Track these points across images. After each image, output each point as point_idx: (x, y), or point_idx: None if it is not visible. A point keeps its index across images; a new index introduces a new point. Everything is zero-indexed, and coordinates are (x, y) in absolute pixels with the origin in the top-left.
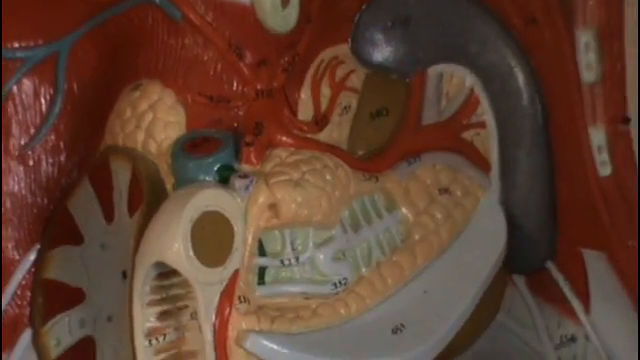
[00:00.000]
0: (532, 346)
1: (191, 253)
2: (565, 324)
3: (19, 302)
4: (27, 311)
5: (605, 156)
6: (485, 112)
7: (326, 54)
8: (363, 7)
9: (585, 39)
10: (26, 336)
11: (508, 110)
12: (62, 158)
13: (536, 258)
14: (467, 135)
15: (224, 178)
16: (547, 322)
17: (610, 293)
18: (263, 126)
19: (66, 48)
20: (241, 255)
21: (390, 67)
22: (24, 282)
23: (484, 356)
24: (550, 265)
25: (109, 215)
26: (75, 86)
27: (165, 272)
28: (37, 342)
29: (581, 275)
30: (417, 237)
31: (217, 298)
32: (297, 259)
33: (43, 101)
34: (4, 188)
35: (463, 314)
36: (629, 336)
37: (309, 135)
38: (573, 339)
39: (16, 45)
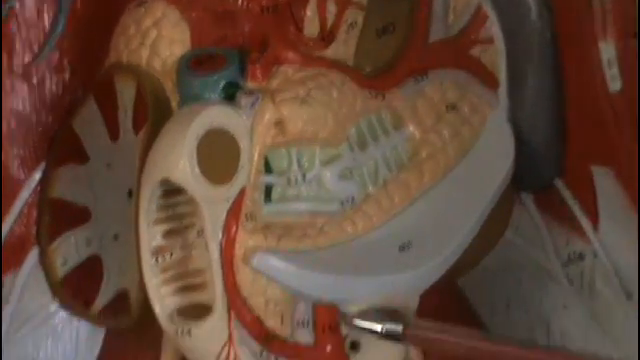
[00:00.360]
0: (540, 263)
1: (197, 170)
2: (573, 242)
3: (25, 221)
4: (33, 230)
5: (615, 71)
6: (493, 27)
7: None
8: None
9: None
10: (33, 255)
11: (516, 24)
12: (66, 76)
13: (544, 176)
14: (475, 51)
15: (229, 95)
16: (555, 240)
17: (618, 210)
18: (269, 42)
19: None
20: (247, 173)
21: None
22: (30, 201)
23: (492, 273)
24: (558, 183)
25: (114, 133)
26: (78, 3)
27: (171, 190)
28: (44, 261)
29: (590, 193)
30: (424, 155)
31: (224, 216)
32: (304, 177)
33: (46, 17)
34: (8, 107)
35: (470, 231)
36: (635, 253)
37: (315, 52)
38: (581, 257)
39: None
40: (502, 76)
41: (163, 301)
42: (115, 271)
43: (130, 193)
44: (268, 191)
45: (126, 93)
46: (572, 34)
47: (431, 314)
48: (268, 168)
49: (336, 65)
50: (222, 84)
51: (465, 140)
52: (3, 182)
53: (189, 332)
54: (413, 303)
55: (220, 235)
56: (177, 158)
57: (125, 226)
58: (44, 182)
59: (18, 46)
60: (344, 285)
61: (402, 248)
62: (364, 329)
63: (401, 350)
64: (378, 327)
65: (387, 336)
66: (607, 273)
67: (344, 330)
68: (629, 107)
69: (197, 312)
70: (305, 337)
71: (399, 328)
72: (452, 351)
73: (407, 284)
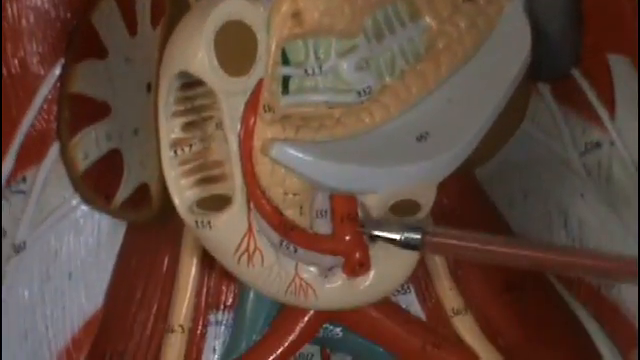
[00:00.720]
0: (557, 153)
1: (215, 62)
2: (590, 131)
3: (46, 117)
4: (54, 125)
5: None
6: None
7: None
8: None
9: None
10: (54, 150)
11: None
12: None
13: (561, 64)
14: None
15: None
16: (572, 129)
17: (636, 99)
18: None
19: None
20: (265, 64)
21: None
22: (50, 96)
23: (510, 165)
24: (575, 72)
25: (132, 28)
26: None
27: (189, 82)
28: (65, 155)
29: (606, 81)
30: (441, 46)
31: (242, 108)
32: (320, 68)
33: None
34: (26, 3)
35: (487, 122)
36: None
37: None
38: (598, 145)
39: None
40: None
41: (183, 193)
42: (135, 165)
43: (149, 87)
44: (285, 82)
45: None
46: None
47: (449, 205)
48: (285, 59)
49: None
50: None
51: (481, 31)
52: (23, 78)
53: (209, 224)
54: (431, 194)
55: (238, 127)
56: (195, 50)
57: (145, 120)
58: (63, 78)
59: None
60: (361, 175)
61: (419, 138)
62: (383, 238)
63: None
64: (397, 236)
65: (406, 245)
66: (624, 161)
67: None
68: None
69: (216, 204)
70: (324, 227)
71: (418, 236)
72: (471, 257)
73: (424, 174)
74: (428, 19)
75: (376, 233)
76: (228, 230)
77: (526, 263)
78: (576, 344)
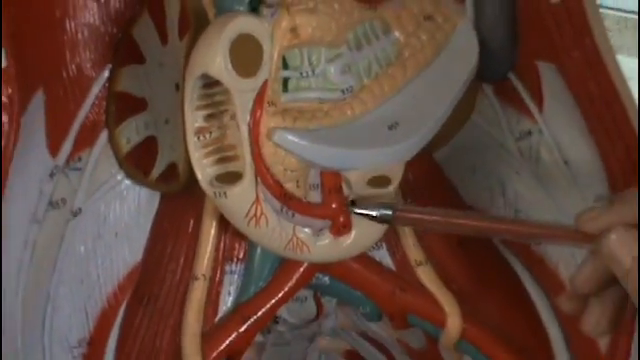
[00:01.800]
0: (498, 139)
1: (230, 66)
2: (523, 121)
3: (97, 110)
4: (103, 117)
5: None
6: None
7: None
8: None
9: None
10: (103, 136)
11: None
12: None
13: (501, 70)
14: None
15: (254, 8)
16: (509, 120)
17: (558, 96)
18: None
19: None
20: (269, 68)
21: None
22: (100, 94)
23: (461, 147)
24: (512, 75)
25: (164, 39)
26: None
27: (209, 82)
28: (112, 140)
29: (536, 83)
30: (407, 54)
31: (251, 103)
32: (313, 71)
33: None
34: (82, 20)
35: (444, 113)
36: (572, 129)
37: None
38: (529, 133)
39: None
40: None
41: (204, 170)
42: (167, 148)
43: (177, 86)
44: (285, 83)
45: (173, 7)
46: None
47: (414, 180)
48: (285, 65)
49: None
50: None
51: (439, 43)
52: (79, 80)
53: (225, 194)
54: (399, 170)
55: (248, 117)
56: (214, 56)
57: (174, 112)
58: (111, 79)
59: None
60: (345, 156)
61: (390, 127)
62: (363, 214)
63: None
64: (374, 213)
65: (381, 220)
66: (549, 145)
67: (345, 192)
68: (566, 15)
69: (231, 178)
70: (315, 197)
71: (390, 212)
72: (434, 228)
73: (394, 155)
74: (397, 33)
75: (357, 211)
76: (240, 199)
77: (477, 231)
78: (511, 286)
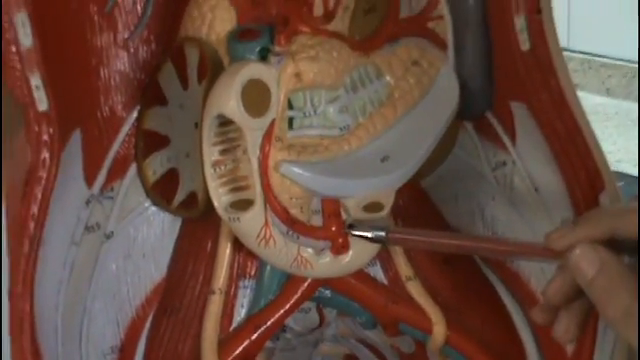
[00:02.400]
0: (477, 169)
1: (242, 108)
2: (499, 154)
3: (127, 146)
4: (132, 152)
5: (525, 35)
6: (443, 8)
7: None
8: None
9: None
10: (132, 168)
11: (459, 6)
12: (153, 46)
13: (479, 109)
14: (431, 24)
15: (263, 56)
16: (487, 152)
17: (529, 131)
18: (289, 20)
19: None
20: (276, 109)
21: None
22: (130, 132)
23: (445, 176)
24: (489, 113)
25: (185, 84)
26: None
27: (224, 121)
28: (140, 172)
29: (509, 120)
30: (397, 96)
31: (260, 139)
32: (315, 111)
33: (139, 7)
34: (114, 68)
35: (430, 147)
36: (541, 161)
37: (321, 26)
38: (504, 163)
39: None
40: (450, 41)
41: (220, 198)
42: (187, 178)
43: (196, 125)
44: (290, 121)
45: (192, 56)
46: (497, 12)
47: (403, 205)
48: (290, 106)
49: (336, 35)
50: (258, 49)
51: (425, 85)
52: (111, 119)
53: (238, 219)
54: (391, 197)
55: (258, 152)
56: (228, 99)
57: (194, 147)
58: (139, 119)
59: (120, 26)
60: (343, 185)
61: (383, 159)
62: (359, 236)
63: None
64: (369, 234)
65: (375, 240)
66: (521, 174)
67: (343, 216)
68: (535, 62)
69: (243, 205)
70: (317, 221)
71: (384, 234)
72: (421, 247)
73: (386, 184)
74: (388, 77)
75: (355, 233)
76: (251, 223)
77: (459, 249)
78: (489, 298)
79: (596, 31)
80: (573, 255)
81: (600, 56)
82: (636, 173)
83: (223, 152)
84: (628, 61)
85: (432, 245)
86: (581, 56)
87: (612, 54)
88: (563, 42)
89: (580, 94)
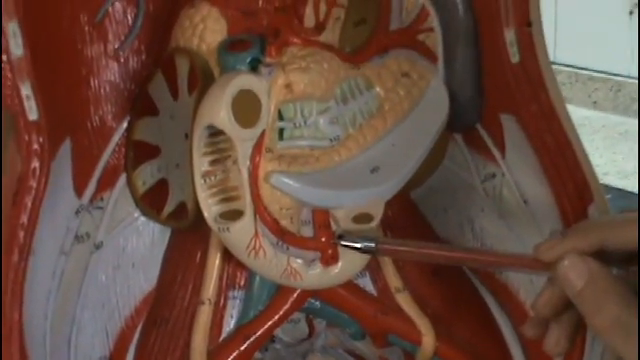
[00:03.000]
0: (466, 181)
1: (232, 118)
2: (488, 166)
3: (117, 156)
4: (122, 162)
5: (515, 49)
6: (433, 20)
7: None
8: None
9: None
10: (122, 178)
11: (449, 19)
12: (143, 57)
13: (469, 121)
14: (421, 37)
15: (254, 67)
16: (476, 164)
17: (518, 144)
18: (280, 31)
19: None
20: (266, 120)
21: None
22: (120, 142)
23: (435, 187)
24: (478, 125)
25: (175, 94)
26: (151, 7)
27: (214, 132)
28: (130, 182)
29: (499, 132)
30: (387, 107)
31: (251, 150)
32: (305, 122)
33: (129, 18)
34: (104, 78)
35: (420, 159)
36: (530, 173)
37: (312, 37)
38: (493, 175)
39: None
40: (440, 53)
41: (210, 208)
42: (177, 189)
43: (187, 135)
44: (281, 132)
45: (183, 67)
46: (486, 24)
47: (393, 217)
48: (280, 116)
49: (326, 46)
50: (249, 59)
51: (415, 97)
52: (102, 129)
53: (228, 229)
54: (380, 208)
55: (248, 162)
56: (219, 110)
57: (184, 158)
58: (129, 129)
59: (110, 36)
60: (333, 196)
61: (372, 171)
62: (349, 247)
63: None
64: (358, 245)
65: (365, 251)
66: (510, 186)
67: (333, 227)
68: (525, 74)
69: (233, 215)
70: (307, 232)
71: (373, 244)
72: (413, 258)
73: (376, 195)
74: (378, 89)
75: (344, 243)
76: (241, 234)
77: (448, 260)
78: (478, 310)
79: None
80: (561, 266)
81: (587, 69)
82: (622, 186)
83: (213, 162)
84: (614, 75)
85: (421, 256)
86: (568, 69)
87: (599, 67)
88: (550, 55)
89: (567, 107)
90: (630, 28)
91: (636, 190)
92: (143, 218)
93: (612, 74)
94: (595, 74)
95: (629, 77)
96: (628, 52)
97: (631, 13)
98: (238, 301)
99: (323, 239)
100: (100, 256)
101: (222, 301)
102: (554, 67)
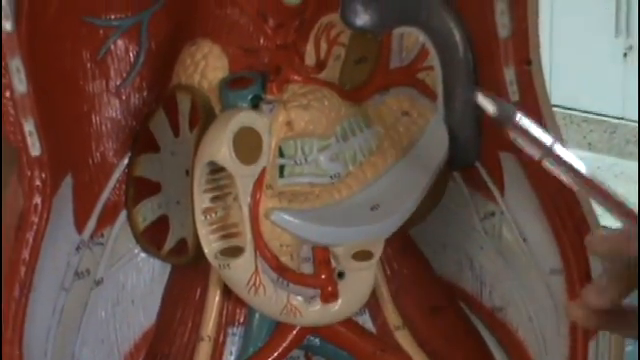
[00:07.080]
0: (465, 219)
1: (233, 155)
2: (488, 204)
3: (117, 192)
4: (123, 198)
5: (515, 87)
6: (433, 59)
7: (324, 20)
8: None
9: (500, 7)
10: (123, 215)
11: (449, 58)
12: (144, 94)
13: (468, 159)
14: (421, 75)
15: (255, 104)
16: (475, 203)
17: (517, 182)
18: (281, 69)
19: (147, 18)
20: (267, 157)
21: (367, 29)
22: (120, 179)
23: (434, 225)
24: (477, 164)
25: (176, 131)
26: (153, 44)
27: (215, 169)
28: (130, 219)
29: (498, 170)
30: (387, 145)
31: (251, 186)
32: (306, 159)
33: (131, 55)
34: (106, 114)
35: (419, 196)
36: (529, 211)
37: (312, 75)
38: (493, 214)
39: (112, 16)
40: (440, 92)
41: (210, 245)
42: (178, 225)
43: (187, 172)
44: (281, 169)
45: (184, 104)
46: (486, 63)
47: (393, 253)
48: (281, 154)
49: (327, 84)
50: (250, 96)
51: (414, 135)
52: (103, 165)
53: (228, 266)
54: (380, 245)
55: (249, 199)
56: (220, 146)
57: (184, 194)
58: (130, 165)
59: (112, 73)
60: (333, 233)
61: (372, 208)
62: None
63: (372, 277)
64: (492, 108)
65: (498, 119)
66: (510, 225)
67: (333, 264)
68: (524, 112)
69: (233, 252)
70: (307, 269)
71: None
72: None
73: (376, 232)
74: (378, 127)
75: (481, 97)
76: (241, 270)
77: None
78: (477, 347)
79: (578, 86)
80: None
81: (581, 111)
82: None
83: (214, 199)
84: (609, 116)
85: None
86: (563, 111)
87: (593, 109)
88: None
89: None
90: (624, 70)
91: None
92: (143, 254)
93: (607, 116)
94: (590, 116)
95: (624, 119)
96: (622, 94)
97: (625, 55)
98: (237, 338)
99: (323, 276)
100: (100, 292)
101: (221, 337)
102: None
